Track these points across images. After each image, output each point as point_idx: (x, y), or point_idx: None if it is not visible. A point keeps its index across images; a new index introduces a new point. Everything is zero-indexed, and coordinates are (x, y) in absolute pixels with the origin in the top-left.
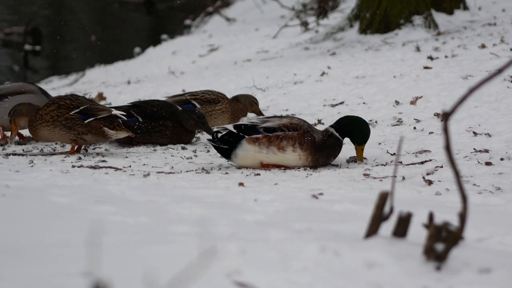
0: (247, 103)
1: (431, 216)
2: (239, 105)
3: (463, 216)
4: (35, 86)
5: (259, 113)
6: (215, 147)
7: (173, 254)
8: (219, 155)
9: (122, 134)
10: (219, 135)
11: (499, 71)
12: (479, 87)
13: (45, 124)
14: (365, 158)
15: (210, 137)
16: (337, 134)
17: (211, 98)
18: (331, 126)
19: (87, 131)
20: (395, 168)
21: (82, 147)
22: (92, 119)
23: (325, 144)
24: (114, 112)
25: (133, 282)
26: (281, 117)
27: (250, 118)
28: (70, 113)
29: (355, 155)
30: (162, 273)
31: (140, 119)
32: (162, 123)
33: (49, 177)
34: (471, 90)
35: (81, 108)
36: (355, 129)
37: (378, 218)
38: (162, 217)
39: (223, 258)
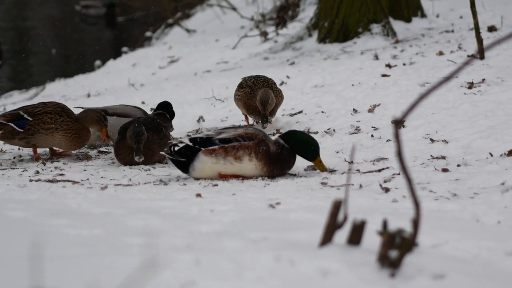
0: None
1: (385, 223)
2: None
3: (416, 223)
4: (141, 110)
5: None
6: (172, 161)
7: (122, 266)
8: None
9: None
10: (176, 148)
11: (449, 77)
12: (429, 93)
13: None
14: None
15: (168, 150)
16: (288, 146)
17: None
18: (280, 137)
19: None
20: (349, 176)
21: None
22: None
23: (280, 155)
24: None
25: None
26: (236, 127)
27: (207, 129)
28: None
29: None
30: (107, 285)
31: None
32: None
33: (5, 192)
34: (421, 97)
35: None
36: (302, 149)
37: (332, 226)
38: (117, 229)
39: (177, 269)
